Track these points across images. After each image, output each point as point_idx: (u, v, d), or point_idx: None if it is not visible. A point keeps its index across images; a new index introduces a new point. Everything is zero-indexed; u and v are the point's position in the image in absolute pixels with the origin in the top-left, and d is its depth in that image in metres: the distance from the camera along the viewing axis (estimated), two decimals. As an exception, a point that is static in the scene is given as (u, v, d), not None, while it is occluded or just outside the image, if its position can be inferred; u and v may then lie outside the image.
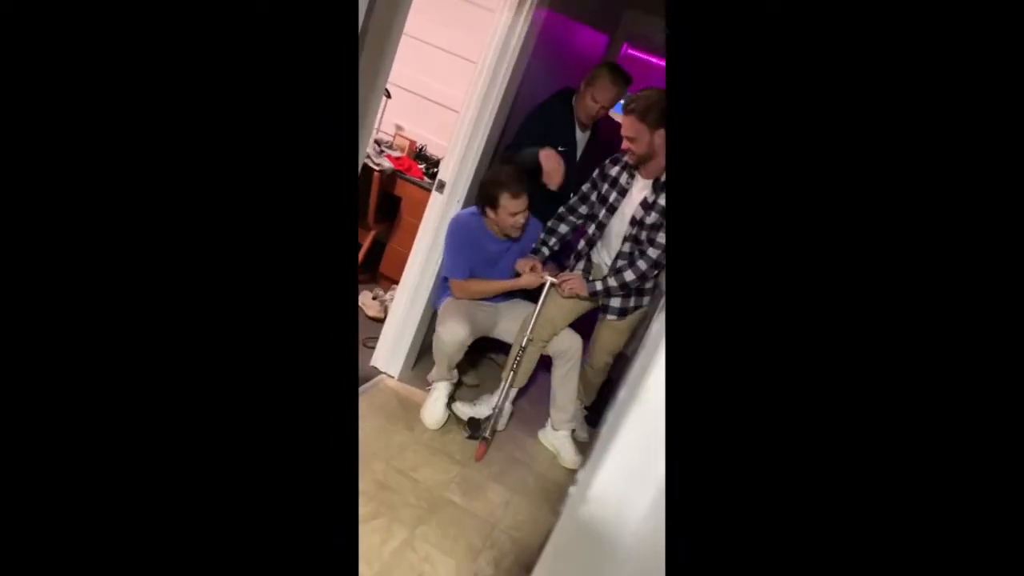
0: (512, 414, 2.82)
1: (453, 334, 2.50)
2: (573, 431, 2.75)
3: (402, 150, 3.64)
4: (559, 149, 2.68)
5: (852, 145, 0.62)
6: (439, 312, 2.69)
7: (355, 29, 1.05)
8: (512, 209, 2.45)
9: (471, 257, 2.60)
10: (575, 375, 2.65)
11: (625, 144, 2.25)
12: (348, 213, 0.78)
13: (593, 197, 2.51)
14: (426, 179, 3.44)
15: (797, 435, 0.63)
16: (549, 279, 2.52)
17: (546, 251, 2.61)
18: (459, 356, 2.57)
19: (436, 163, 3.55)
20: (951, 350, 0.60)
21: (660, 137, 2.15)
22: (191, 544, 0.70)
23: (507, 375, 2.58)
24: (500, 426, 2.73)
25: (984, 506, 0.59)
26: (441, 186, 2.60)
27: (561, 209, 2.58)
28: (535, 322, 2.53)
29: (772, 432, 0.63)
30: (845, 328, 0.62)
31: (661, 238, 2.29)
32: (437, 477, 2.28)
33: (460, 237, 2.59)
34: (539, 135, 2.66)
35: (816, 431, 0.62)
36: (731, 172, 0.65)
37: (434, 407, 2.64)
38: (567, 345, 2.61)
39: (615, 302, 2.57)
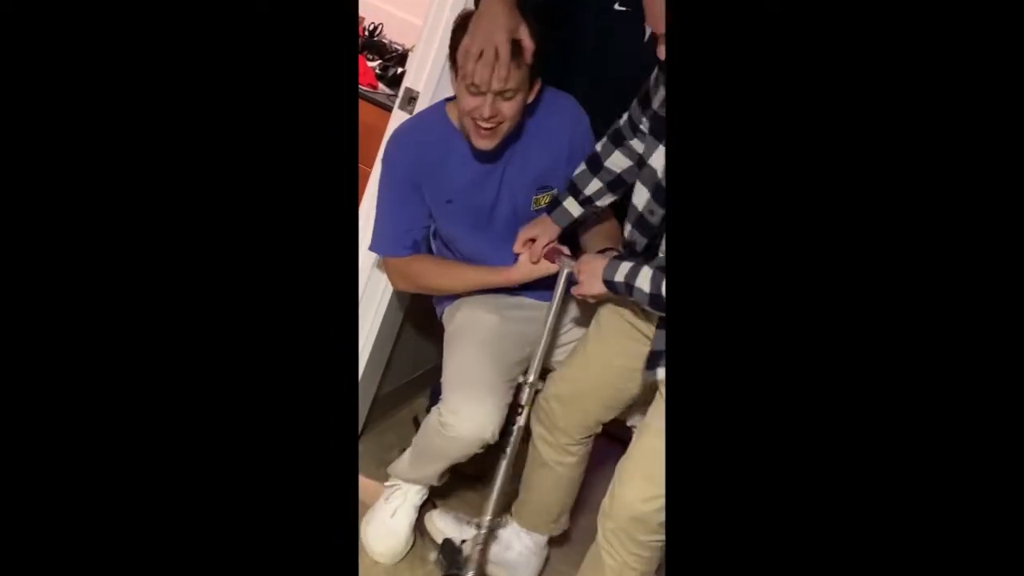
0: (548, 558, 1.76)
1: (476, 426, 1.45)
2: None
3: (343, 37, 2.71)
4: (616, 6, 1.91)
5: (854, 145, 0.72)
6: (446, 341, 1.63)
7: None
8: (472, 76, 1.37)
9: (423, 208, 1.57)
10: None
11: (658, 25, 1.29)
12: (349, 189, 0.87)
13: (643, 124, 1.45)
14: (383, 88, 2.59)
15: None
16: (567, 265, 1.53)
17: (576, 208, 1.55)
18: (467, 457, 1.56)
19: (401, 58, 2.75)
20: (948, 357, 0.69)
21: None
22: (188, 547, 0.79)
23: (505, 464, 1.52)
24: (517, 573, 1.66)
25: (985, 510, 0.68)
26: (410, 100, 1.86)
27: (617, 125, 1.54)
28: (542, 359, 1.52)
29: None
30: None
31: None
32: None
33: (402, 168, 1.56)
34: None
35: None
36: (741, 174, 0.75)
37: (389, 525, 1.65)
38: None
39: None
